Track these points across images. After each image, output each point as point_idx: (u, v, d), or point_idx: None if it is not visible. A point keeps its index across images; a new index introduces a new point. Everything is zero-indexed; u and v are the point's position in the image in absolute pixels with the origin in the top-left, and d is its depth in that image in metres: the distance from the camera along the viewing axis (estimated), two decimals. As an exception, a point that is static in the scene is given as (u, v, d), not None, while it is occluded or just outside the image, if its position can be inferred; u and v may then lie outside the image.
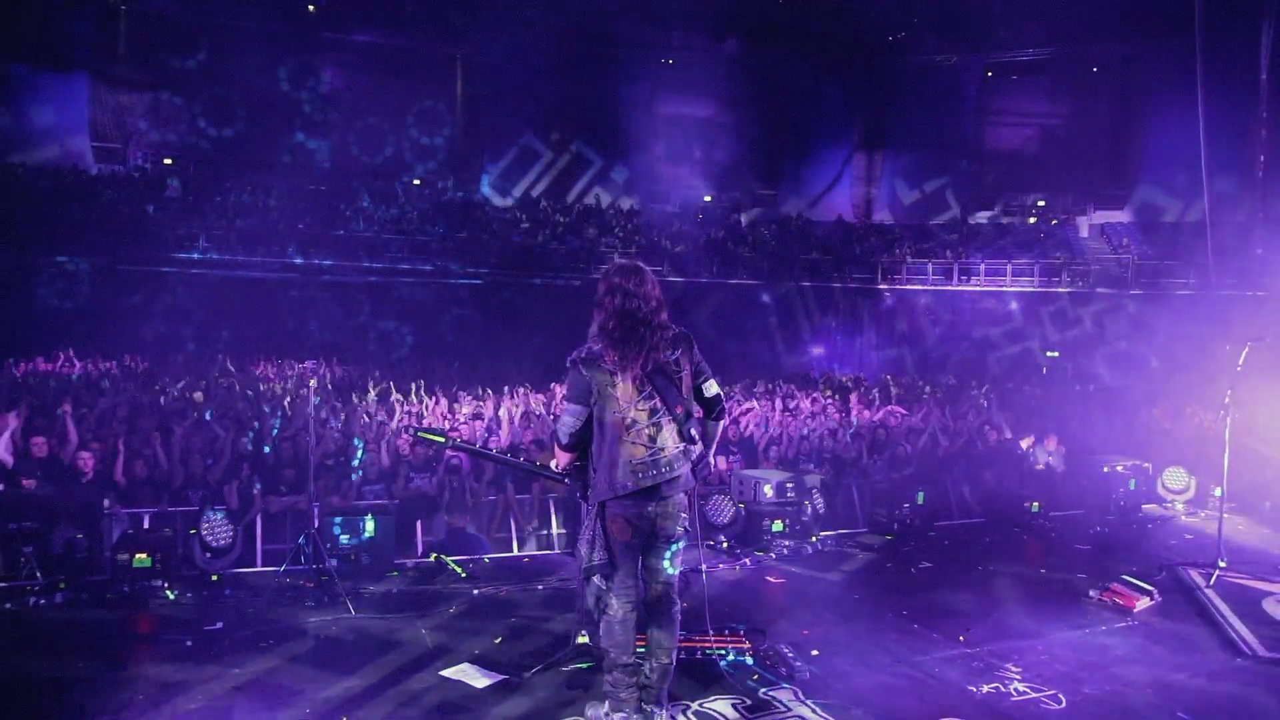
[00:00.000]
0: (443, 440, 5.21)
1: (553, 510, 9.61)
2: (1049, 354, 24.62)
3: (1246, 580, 7.41)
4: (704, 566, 4.90)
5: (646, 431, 4.32)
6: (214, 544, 6.66)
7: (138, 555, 6.16)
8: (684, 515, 4.53)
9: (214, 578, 6.52)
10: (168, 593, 6.21)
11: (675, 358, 4.43)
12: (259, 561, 7.55)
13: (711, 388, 4.59)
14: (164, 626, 5.72)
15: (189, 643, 5.46)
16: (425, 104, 27.09)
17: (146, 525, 7.30)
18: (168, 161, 23.40)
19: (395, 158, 26.81)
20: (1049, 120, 28.52)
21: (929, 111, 28.08)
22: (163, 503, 8.11)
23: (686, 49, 28.56)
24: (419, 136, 27.02)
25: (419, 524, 8.63)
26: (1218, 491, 9.72)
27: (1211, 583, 7.25)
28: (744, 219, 28.94)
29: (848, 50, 27.16)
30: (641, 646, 4.59)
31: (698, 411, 4.56)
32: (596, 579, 4.49)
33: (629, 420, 4.29)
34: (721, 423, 4.77)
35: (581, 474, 4.59)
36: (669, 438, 4.36)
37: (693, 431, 4.48)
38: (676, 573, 4.54)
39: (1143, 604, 6.66)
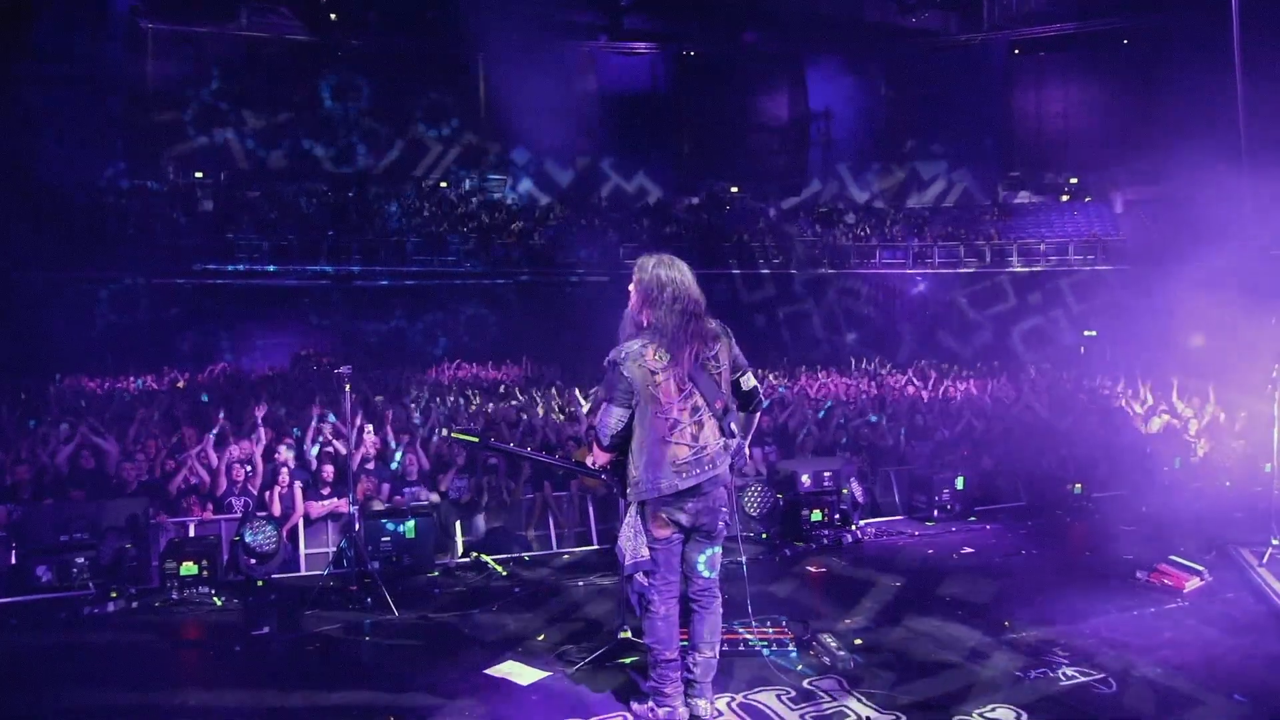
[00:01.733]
0: (477, 441, 5.22)
1: (590, 507, 9.63)
2: (1086, 333, 24.26)
3: (1300, 557, 7.26)
4: (744, 558, 4.89)
5: (689, 430, 4.29)
6: (258, 549, 6.74)
7: (185, 563, 6.26)
8: (724, 509, 4.50)
9: (259, 583, 6.61)
10: (215, 599, 6.30)
11: (715, 352, 4.40)
12: (302, 566, 7.63)
13: (749, 381, 4.56)
14: (212, 633, 5.80)
15: (237, 648, 5.54)
16: (444, 104, 27.21)
17: (191, 533, 7.41)
18: (199, 175, 23.71)
19: (416, 160, 26.97)
20: (1079, 96, 28.07)
21: (955, 91, 27.76)
22: (206, 511, 8.25)
23: (700, 40, 28.45)
24: (440, 138, 27.13)
25: (458, 524, 8.69)
26: (1268, 467, 9.55)
27: (1265, 561, 7.11)
28: (772, 210, 28.79)
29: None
30: (684, 641, 4.58)
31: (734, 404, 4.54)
32: (639, 577, 4.49)
33: (672, 420, 4.27)
34: (758, 415, 4.74)
35: (620, 470, 4.58)
36: (710, 434, 4.34)
37: (732, 426, 4.46)
38: (714, 575, 4.52)
39: (1193, 584, 6.54)
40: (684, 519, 4.38)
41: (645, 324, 4.33)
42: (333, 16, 24.77)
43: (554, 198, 27.65)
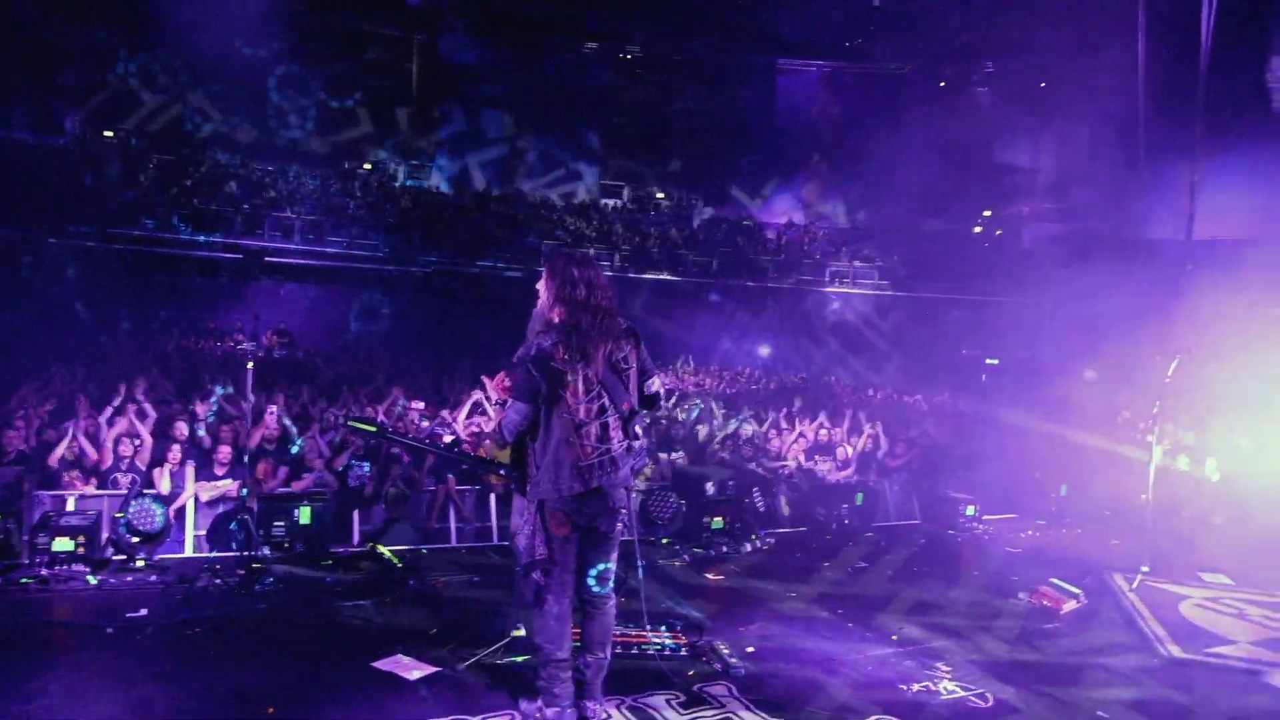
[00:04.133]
0: (374, 430, 5.11)
1: (493, 502, 9.54)
2: (989, 361, 25.06)
3: (1167, 585, 7.65)
4: (641, 562, 4.90)
5: (594, 431, 4.27)
6: (142, 528, 6.47)
7: (59, 538, 5.96)
8: (623, 511, 4.50)
9: (139, 563, 6.34)
10: (89, 578, 6.03)
11: (625, 354, 4.40)
12: (188, 548, 7.36)
13: (655, 384, 4.56)
14: (83, 614, 5.55)
15: (109, 630, 5.31)
16: (379, 86, 26.66)
17: (71, 508, 7.07)
18: (108, 134, 22.71)
19: (346, 141, 26.37)
20: (1001, 130, 29.04)
21: (884, 119, 28.42)
22: (89, 484, 7.89)
23: (648, 42, 28.55)
24: (372, 119, 26.58)
25: (356, 514, 8.51)
26: (1144, 497, 10.03)
27: (1135, 586, 7.48)
28: (696, 219, 29.03)
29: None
30: (577, 642, 4.57)
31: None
32: (535, 574, 4.45)
33: (577, 420, 4.24)
34: (655, 411, 4.76)
35: (521, 467, 4.54)
36: (615, 436, 4.33)
37: (637, 428, 4.46)
38: (605, 590, 4.51)
39: (1070, 606, 6.82)
40: (582, 519, 4.36)
41: (556, 321, 4.30)
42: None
43: (479, 189, 27.36)
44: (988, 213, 28.74)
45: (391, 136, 27.03)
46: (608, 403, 4.29)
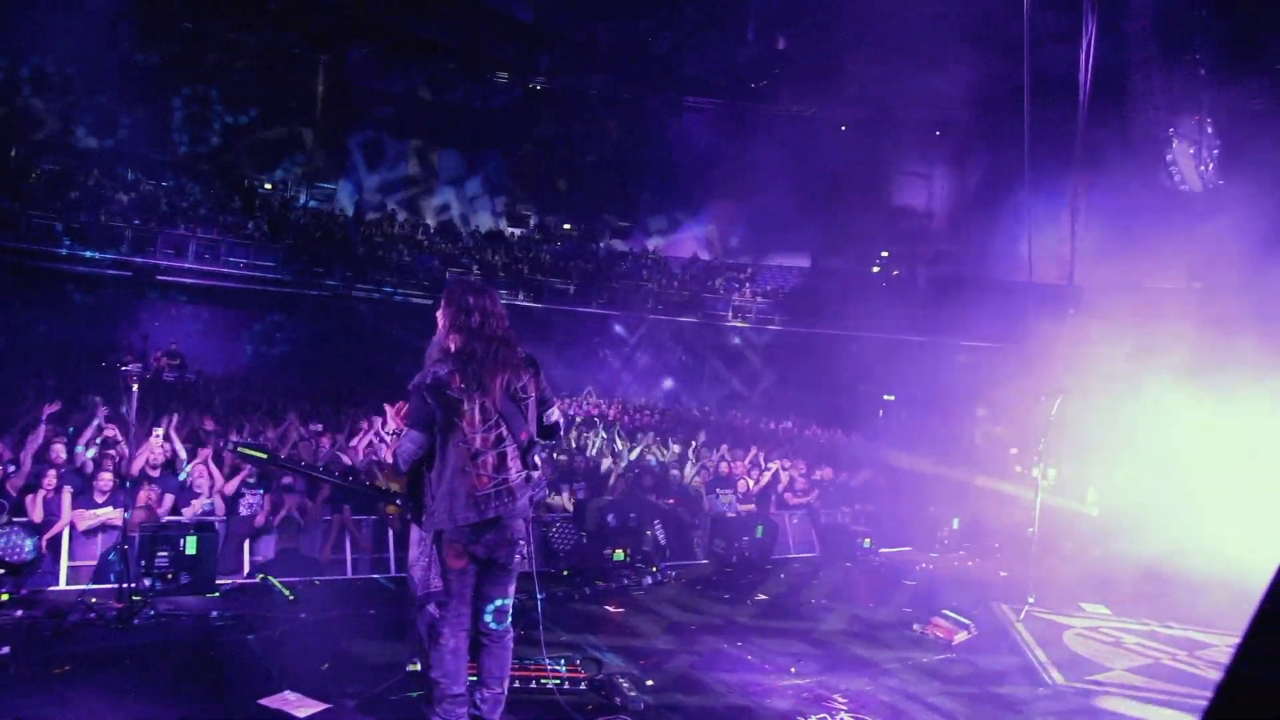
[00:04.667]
0: (265, 457, 4.93)
1: (391, 533, 9.31)
2: (886, 397, 25.79)
3: (1051, 615, 7.97)
4: (540, 595, 4.84)
5: (491, 461, 4.20)
6: (9, 559, 6.07)
7: (-85, 571, 5.56)
8: (521, 542, 4.44)
9: (3, 596, 5.94)
10: (-51, 612, 5.64)
11: (524, 383, 4.36)
12: (62, 580, 6.94)
13: (554, 414, 4.53)
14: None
15: (-31, 669, 4.96)
16: (283, 106, 26.07)
17: (-70, 537, 6.59)
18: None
19: (249, 160, 25.66)
20: (899, 177, 30.13)
21: (787, 159, 29.15)
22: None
23: (555, 74, 28.73)
24: (273, 138, 25.95)
25: (246, 544, 8.19)
26: (1030, 531, 10.44)
27: (1021, 617, 7.77)
28: (603, 248, 29.19)
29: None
30: (473, 676, 4.48)
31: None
32: (430, 607, 4.35)
33: (474, 449, 4.18)
34: (553, 443, 4.73)
35: (417, 496, 4.44)
36: (513, 467, 4.27)
37: (536, 459, 4.42)
38: (501, 627, 4.44)
39: (961, 637, 7.02)
40: (480, 550, 4.28)
41: (452, 349, 4.24)
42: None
43: (383, 214, 26.94)
44: (885, 253, 29.70)
45: (294, 156, 26.42)
46: (505, 432, 4.24)
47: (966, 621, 7.20)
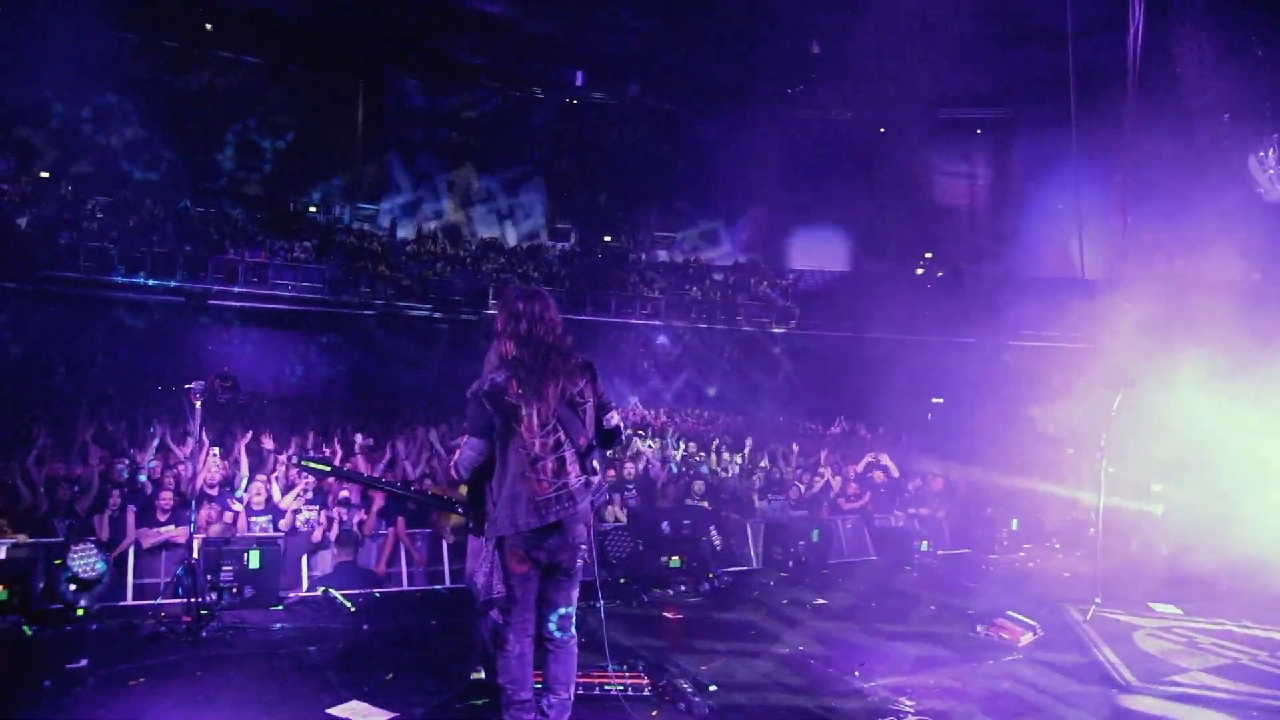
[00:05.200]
0: (328, 470, 4.99)
1: (445, 546, 9.37)
2: (935, 400, 25.47)
3: (1119, 615, 7.76)
4: (601, 601, 4.83)
5: (550, 466, 4.21)
6: (83, 575, 6.19)
7: (-9, 587, 5.69)
8: (583, 547, 4.44)
9: (79, 612, 6.06)
10: (25, 628, 5.74)
11: (580, 388, 4.36)
12: (129, 596, 7.06)
13: (614, 419, 4.52)
14: (17, 665, 5.28)
15: (47, 682, 5.05)
16: (325, 131, 26.53)
17: (2, 555, 6.75)
18: (44, 175, 22.21)
19: (293, 184, 26.15)
20: (940, 177, 29.83)
21: (825, 163, 29.02)
22: (23, 534, 7.56)
23: (590, 89, 28.94)
24: (315, 162, 26.41)
25: (304, 558, 8.28)
26: (1092, 531, 10.21)
27: (1089, 618, 7.57)
28: (644, 259, 29.24)
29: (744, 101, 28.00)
30: (538, 683, 4.47)
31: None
32: (494, 613, 4.36)
33: (533, 455, 4.19)
34: (615, 449, 4.73)
35: (478, 505, 4.46)
36: (572, 471, 4.27)
37: (594, 463, 4.42)
38: (566, 635, 4.42)
39: (1027, 638, 6.87)
40: (542, 556, 4.29)
41: (507, 356, 4.25)
42: (208, 26, 23.86)
43: (425, 232, 27.28)
44: (929, 254, 29.40)
45: (336, 179, 26.87)
46: (563, 437, 4.25)
47: (1032, 623, 7.04)
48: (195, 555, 6.28)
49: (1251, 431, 10.38)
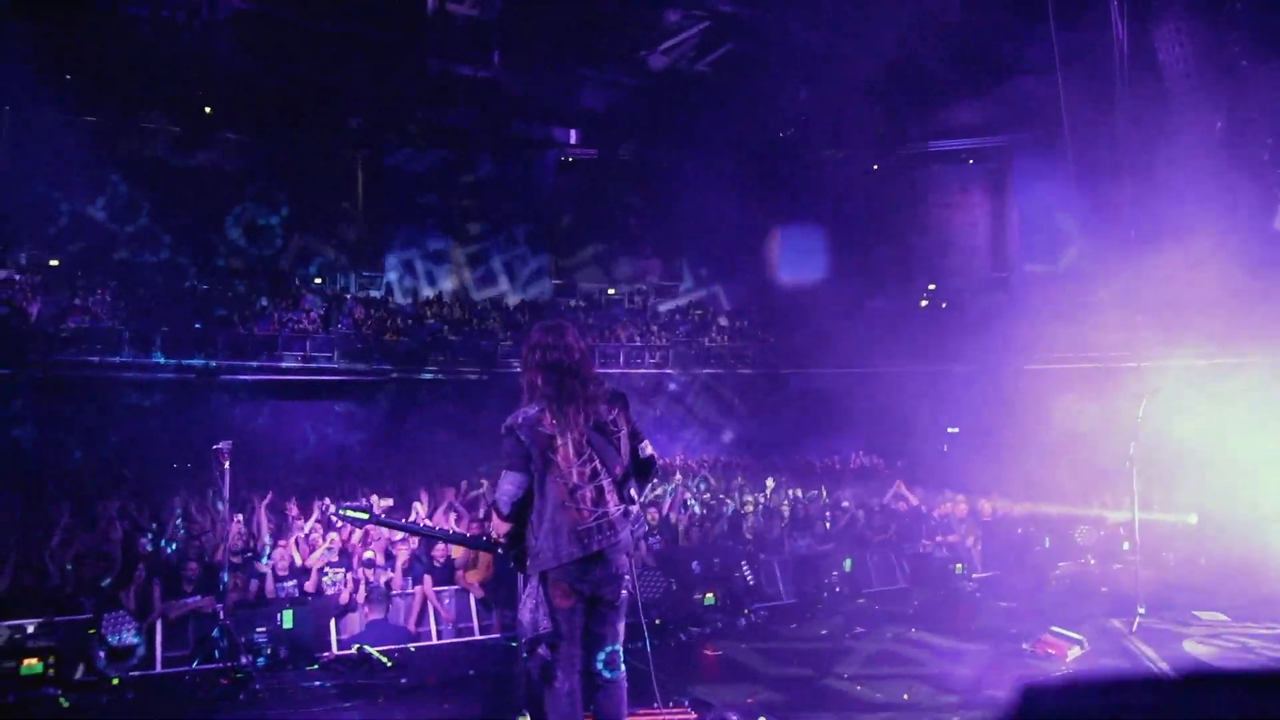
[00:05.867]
0: (366, 517, 4.96)
1: (473, 602, 9.29)
2: (950, 430, 25.33)
3: (1165, 625, 7.62)
4: (646, 635, 4.75)
5: (590, 495, 4.18)
6: (115, 645, 6.11)
7: (26, 661, 5.61)
8: (626, 577, 4.39)
9: (114, 681, 5.98)
10: (61, 700, 5.66)
11: (613, 417, 4.35)
12: (159, 665, 6.95)
13: (648, 449, 4.51)
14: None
15: (89, 752, 4.97)
16: (326, 203, 26.90)
17: (32, 631, 6.68)
18: (54, 263, 22.47)
19: (297, 256, 26.45)
20: (936, 210, 30.03)
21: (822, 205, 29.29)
22: (49, 613, 7.48)
23: (585, 145, 29.34)
24: (318, 235, 26.74)
25: (333, 622, 8.18)
26: (1125, 545, 10.08)
27: (1134, 629, 7.43)
28: (649, 308, 29.37)
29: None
30: (589, 721, 4.38)
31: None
32: (541, 649, 4.29)
33: (571, 484, 4.16)
34: (652, 481, 4.68)
35: (518, 542, 4.42)
36: (610, 500, 4.24)
37: (632, 492, 4.39)
38: (616, 675, 4.34)
39: (1074, 653, 6.74)
40: (586, 588, 4.23)
41: (534, 387, 4.26)
42: (207, 110, 24.31)
43: (430, 296, 27.45)
44: (932, 286, 29.49)
45: (339, 248, 27.16)
46: (599, 466, 4.22)
47: (1078, 637, 6.92)
48: (224, 617, 6.19)
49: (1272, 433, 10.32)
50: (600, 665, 4.34)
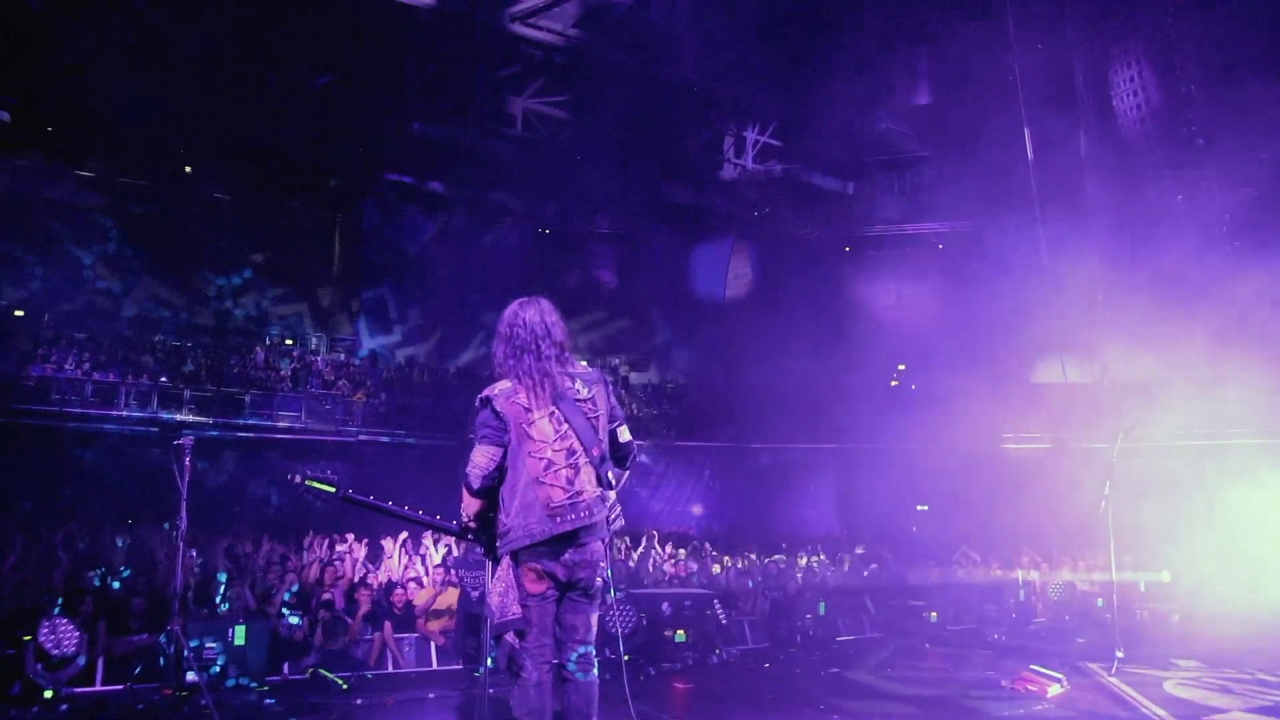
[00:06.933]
0: (334, 490, 4.76)
1: (433, 649, 8.96)
2: (919, 508, 25.26)
3: (1144, 670, 7.46)
4: (621, 634, 4.53)
5: (564, 473, 4.03)
6: (55, 653, 5.73)
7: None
8: (602, 565, 4.21)
9: (47, 694, 5.59)
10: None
11: (590, 396, 4.22)
12: (99, 681, 6.50)
13: (625, 433, 4.37)
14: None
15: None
16: (302, 262, 26.92)
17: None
18: (19, 313, 22.16)
19: (269, 315, 26.32)
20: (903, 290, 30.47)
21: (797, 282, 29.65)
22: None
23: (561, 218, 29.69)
24: (289, 296, 26.70)
25: (285, 665, 7.79)
26: (1100, 602, 9.96)
27: (1113, 672, 7.27)
28: (620, 381, 29.32)
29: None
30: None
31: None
32: (509, 637, 4.08)
33: (546, 460, 4.03)
34: (628, 473, 4.50)
35: (488, 528, 4.24)
36: (587, 481, 4.08)
37: (610, 476, 4.24)
38: (590, 677, 4.13)
39: (1055, 690, 6.56)
40: (560, 571, 4.04)
41: (502, 361, 4.19)
42: (188, 170, 24.44)
43: (403, 360, 27.31)
44: (902, 366, 29.74)
45: (312, 310, 27.09)
46: (576, 445, 4.09)
47: (1058, 675, 6.74)
48: (176, 625, 5.85)
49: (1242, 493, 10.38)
50: (573, 666, 4.13)
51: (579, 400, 4.17)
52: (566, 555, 4.04)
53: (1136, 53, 14.77)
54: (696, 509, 25.95)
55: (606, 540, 4.25)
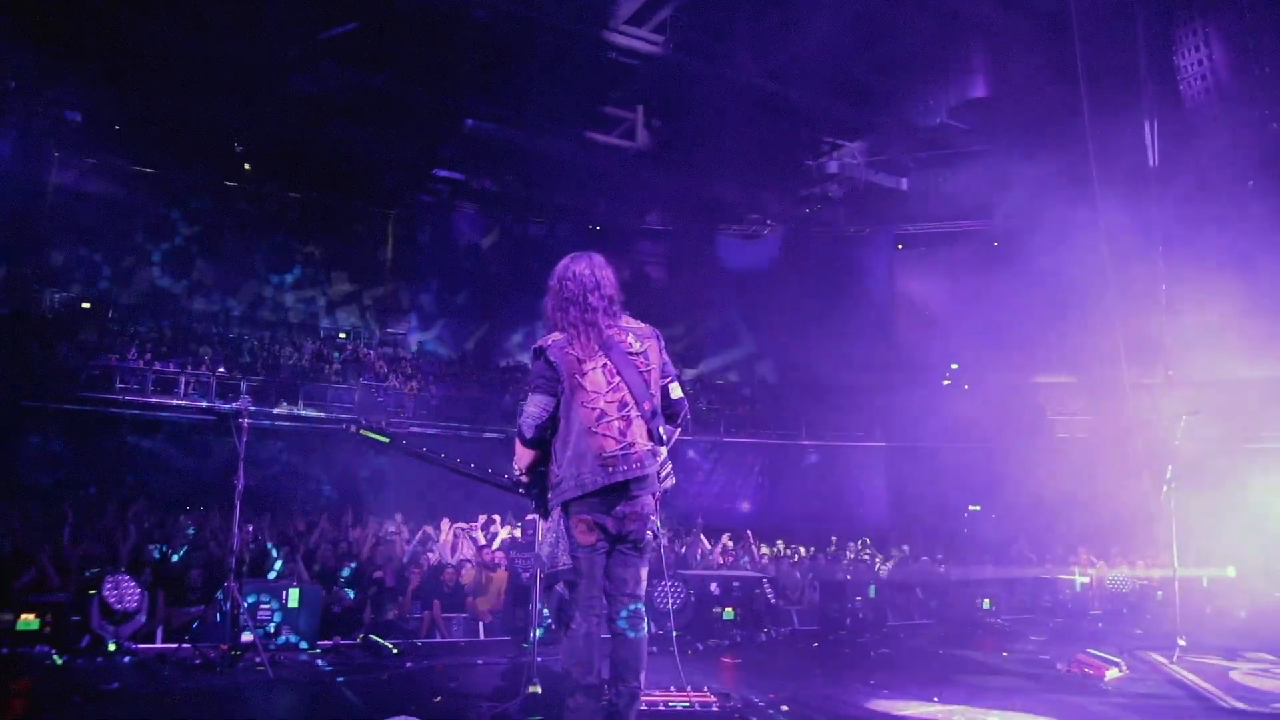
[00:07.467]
0: (387, 440, 4.82)
1: (481, 626, 9.04)
2: (971, 508, 24.88)
3: (1208, 658, 7.23)
4: (672, 605, 4.51)
5: (616, 424, 4.02)
6: (117, 607, 5.89)
7: (23, 616, 5.41)
8: (653, 518, 4.20)
9: (111, 646, 5.74)
10: (55, 658, 5.42)
11: (643, 350, 4.22)
12: (160, 638, 6.68)
13: (676, 390, 4.35)
14: (49, 688, 4.96)
15: (76, 698, 4.72)
16: (356, 257, 27.38)
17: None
18: (85, 305, 22.85)
19: (320, 310, 26.82)
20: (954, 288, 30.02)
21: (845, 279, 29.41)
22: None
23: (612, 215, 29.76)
24: (343, 290, 27.17)
25: (337, 637, 7.91)
26: (1159, 595, 9.71)
27: (1175, 660, 7.06)
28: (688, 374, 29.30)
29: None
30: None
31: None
32: (559, 587, 4.09)
33: (598, 410, 4.03)
34: (679, 430, 4.47)
35: (540, 482, 4.25)
36: (639, 433, 4.06)
37: (661, 431, 4.23)
38: (640, 634, 4.10)
39: (1112, 674, 6.39)
40: (610, 524, 4.03)
41: (552, 314, 4.24)
42: (246, 167, 25.00)
43: (455, 354, 27.61)
44: (955, 365, 29.28)
45: (367, 302, 27.51)
46: (628, 397, 4.07)
47: (1116, 659, 6.57)
48: (231, 588, 5.97)
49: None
50: (623, 622, 4.11)
51: (631, 354, 4.16)
52: (618, 508, 4.04)
53: (1205, 34, 14.34)
54: (745, 505, 25.81)
55: (657, 495, 4.23)
